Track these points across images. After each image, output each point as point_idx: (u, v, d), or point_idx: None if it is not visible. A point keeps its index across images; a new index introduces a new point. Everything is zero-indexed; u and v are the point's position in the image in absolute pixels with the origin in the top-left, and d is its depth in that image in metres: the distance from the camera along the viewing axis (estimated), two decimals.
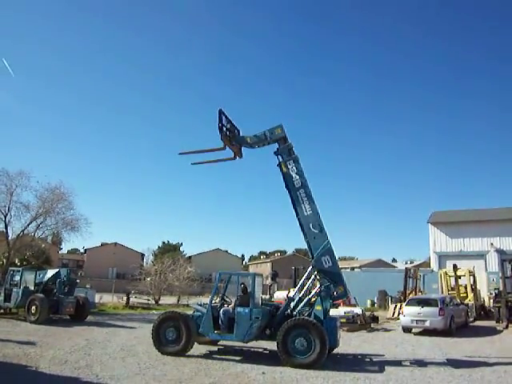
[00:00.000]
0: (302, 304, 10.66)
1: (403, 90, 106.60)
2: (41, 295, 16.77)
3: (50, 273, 18.27)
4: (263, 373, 8.79)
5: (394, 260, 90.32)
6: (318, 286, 10.74)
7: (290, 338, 9.64)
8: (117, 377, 8.00)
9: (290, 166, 11.08)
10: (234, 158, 11.91)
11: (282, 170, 11.18)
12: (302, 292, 11.14)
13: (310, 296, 10.93)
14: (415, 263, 67.25)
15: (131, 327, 16.31)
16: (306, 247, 11.28)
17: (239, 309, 10.22)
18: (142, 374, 8.36)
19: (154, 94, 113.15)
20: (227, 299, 11.30)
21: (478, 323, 19.98)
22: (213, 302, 10.85)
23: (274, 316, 10.58)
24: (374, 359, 10.98)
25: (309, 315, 10.23)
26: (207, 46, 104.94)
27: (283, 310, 10.65)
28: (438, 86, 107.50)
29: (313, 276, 11.04)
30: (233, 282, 11.78)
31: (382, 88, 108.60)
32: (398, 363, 10.38)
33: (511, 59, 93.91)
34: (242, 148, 11.98)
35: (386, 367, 9.79)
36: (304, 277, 11.54)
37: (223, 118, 11.32)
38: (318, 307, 10.28)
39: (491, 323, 19.86)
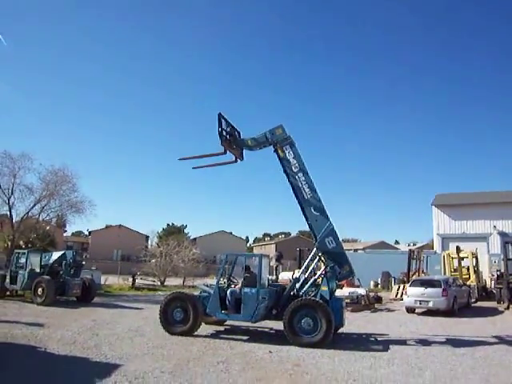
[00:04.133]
0: (307, 285, 10.76)
1: (402, 74, 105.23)
2: (47, 277, 16.93)
3: (56, 255, 18.39)
4: (270, 352, 8.91)
5: (397, 242, 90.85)
6: (324, 267, 10.82)
7: (297, 317, 9.76)
8: (126, 356, 8.11)
9: (286, 151, 11.02)
10: (236, 161, 11.85)
11: (278, 155, 11.13)
12: (307, 273, 11.22)
13: (315, 277, 11.03)
14: (418, 245, 67.41)
15: (138, 308, 16.51)
16: (310, 230, 11.33)
17: (246, 289, 10.32)
18: (151, 353, 8.49)
19: (156, 80, 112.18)
20: (234, 280, 11.40)
21: (480, 304, 20.16)
22: (219, 282, 10.96)
23: (280, 296, 10.67)
24: (379, 338, 11.10)
25: (315, 295, 10.33)
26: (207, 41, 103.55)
27: (289, 290, 10.74)
28: (437, 73, 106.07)
29: (317, 257, 11.10)
30: (239, 263, 11.87)
31: (379, 71, 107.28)
32: (402, 342, 10.51)
33: None
34: (244, 150, 11.92)
35: (390, 346, 9.92)
36: (308, 258, 11.60)
37: (223, 121, 11.19)
38: (324, 288, 10.37)
39: (493, 304, 20.09)
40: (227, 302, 10.59)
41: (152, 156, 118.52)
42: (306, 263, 11.70)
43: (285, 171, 11.09)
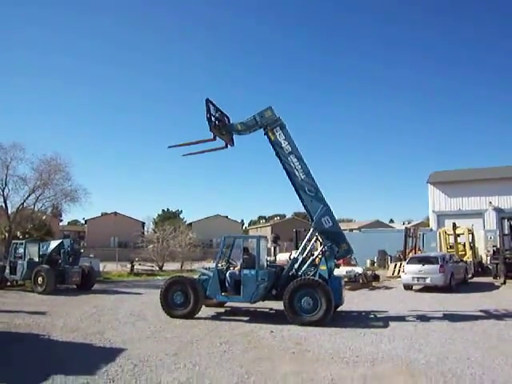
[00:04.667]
0: (306, 264, 10.83)
1: (400, 54, 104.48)
2: (46, 266, 16.93)
3: (54, 244, 18.36)
4: (271, 331, 9.01)
5: (392, 221, 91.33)
6: (321, 247, 10.88)
7: (297, 297, 9.85)
8: (129, 341, 8.18)
9: (277, 133, 10.95)
10: (226, 146, 11.74)
11: (269, 137, 11.05)
12: (305, 253, 11.27)
13: (313, 257, 11.11)
14: (413, 223, 67.80)
15: (138, 293, 16.61)
16: (305, 211, 11.34)
17: (245, 271, 10.38)
18: (154, 336, 8.57)
19: (153, 68, 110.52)
20: (232, 262, 11.46)
21: (476, 279, 20.41)
22: (218, 265, 11.01)
23: (279, 277, 10.75)
24: (378, 315, 11.24)
25: (314, 275, 10.41)
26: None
27: (288, 270, 10.81)
28: (436, 51, 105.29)
29: (314, 238, 11.15)
30: (237, 246, 11.91)
31: (371, 49, 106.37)
32: (401, 319, 10.65)
33: None
34: (234, 135, 11.80)
35: (390, 323, 10.05)
36: (306, 239, 11.65)
37: (211, 107, 11.03)
38: (323, 267, 10.45)
39: (489, 279, 20.36)
40: (227, 284, 10.67)
41: (143, 142, 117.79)
42: (303, 244, 11.76)
43: (277, 154, 11.04)
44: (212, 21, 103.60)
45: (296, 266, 10.83)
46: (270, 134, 11.00)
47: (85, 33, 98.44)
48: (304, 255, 11.16)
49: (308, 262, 10.91)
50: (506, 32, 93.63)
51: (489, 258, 25.61)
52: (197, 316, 10.59)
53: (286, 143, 10.88)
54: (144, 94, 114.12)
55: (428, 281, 16.00)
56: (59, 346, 7.95)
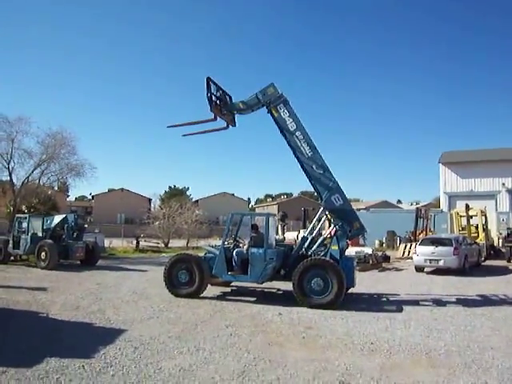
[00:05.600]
0: (316, 244, 10.41)
1: (405, 36, 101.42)
2: (50, 241, 16.62)
3: (58, 219, 18.01)
4: (280, 314, 8.59)
5: (399, 201, 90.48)
6: (332, 226, 10.38)
7: (307, 278, 9.40)
8: (130, 321, 7.79)
9: (280, 110, 10.36)
10: (227, 127, 11.12)
11: (273, 115, 10.46)
12: (314, 233, 10.80)
13: (324, 235, 10.64)
14: (421, 204, 67.01)
15: (142, 270, 16.29)
16: (314, 190, 10.80)
17: (253, 250, 9.89)
18: (156, 316, 8.16)
19: (154, 47, 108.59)
20: (240, 240, 10.99)
21: (489, 263, 19.87)
22: (225, 243, 10.54)
23: (288, 256, 10.29)
24: (391, 298, 10.80)
25: (324, 255, 9.94)
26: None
27: (297, 250, 10.35)
28: (447, 37, 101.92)
29: (323, 217, 10.64)
30: (244, 224, 11.43)
31: (381, 35, 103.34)
32: (415, 303, 10.19)
33: None
34: (236, 115, 11.18)
35: (404, 307, 9.60)
36: (315, 218, 11.17)
37: (212, 86, 10.40)
38: (334, 247, 9.97)
39: (502, 263, 19.90)
40: (233, 262, 10.21)
41: (152, 119, 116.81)
42: (312, 223, 11.29)
43: (281, 132, 10.49)
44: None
45: (305, 245, 10.38)
46: (274, 112, 10.43)
47: (86, 9, 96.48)
48: (314, 234, 10.73)
49: (318, 242, 10.49)
50: None
51: (501, 240, 25.07)
52: (202, 295, 10.20)
53: (291, 120, 10.31)
54: (152, 70, 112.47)
55: (441, 263, 15.48)
56: (57, 325, 7.55)
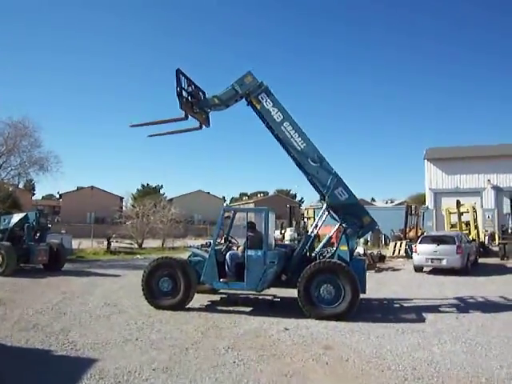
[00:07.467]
0: (321, 244, 9.09)
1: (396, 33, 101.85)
2: (7, 243, 14.53)
3: (16, 218, 15.87)
4: (286, 329, 7.10)
5: (373, 200, 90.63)
6: (338, 224, 8.99)
7: (314, 284, 7.95)
8: (102, 345, 6.08)
9: (263, 100, 8.97)
10: (200, 127, 9.63)
11: (254, 107, 9.09)
12: (316, 232, 9.40)
13: (330, 234, 9.23)
14: (396, 202, 67.08)
15: (115, 275, 14.40)
16: (313, 187, 9.33)
17: (250, 252, 8.31)
18: (135, 338, 6.43)
19: (141, 38, 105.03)
20: (233, 241, 9.43)
21: (482, 261, 19.00)
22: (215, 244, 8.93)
23: (289, 259, 8.80)
24: (405, 304, 9.47)
25: (331, 257, 8.52)
26: None
27: (299, 251, 8.87)
28: (432, 33, 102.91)
29: (325, 215, 9.22)
30: (237, 221, 9.88)
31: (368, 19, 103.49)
32: (434, 309, 8.93)
33: None
34: (210, 115, 9.71)
35: (423, 314, 8.35)
36: (318, 216, 9.74)
37: (182, 79, 8.96)
38: (344, 247, 8.57)
39: (495, 260, 19.31)
40: (226, 267, 8.59)
41: (122, 115, 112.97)
42: (315, 222, 9.87)
43: (267, 125, 9.08)
44: None
45: (307, 246, 8.95)
46: (255, 103, 9.02)
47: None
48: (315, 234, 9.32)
49: (323, 242, 9.12)
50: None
51: (487, 237, 24.50)
52: (188, 306, 8.57)
53: (276, 110, 8.91)
54: (131, 61, 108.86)
55: (444, 262, 14.37)
56: (5, 352, 5.81)
